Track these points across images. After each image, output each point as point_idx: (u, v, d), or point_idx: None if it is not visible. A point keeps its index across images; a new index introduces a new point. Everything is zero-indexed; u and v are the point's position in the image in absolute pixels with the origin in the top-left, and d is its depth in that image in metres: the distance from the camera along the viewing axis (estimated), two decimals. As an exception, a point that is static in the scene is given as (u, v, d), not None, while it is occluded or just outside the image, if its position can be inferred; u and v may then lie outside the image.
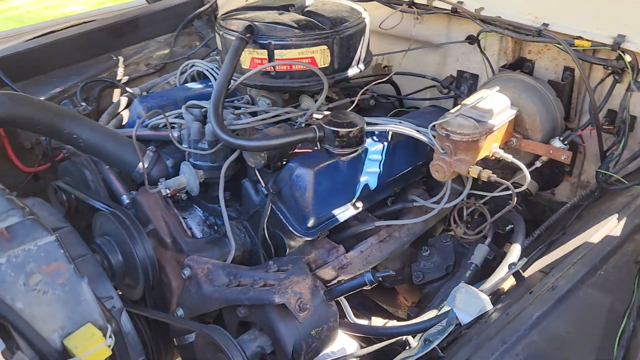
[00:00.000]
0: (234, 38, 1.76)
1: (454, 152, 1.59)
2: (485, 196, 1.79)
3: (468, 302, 1.37)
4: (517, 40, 1.88)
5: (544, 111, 1.75)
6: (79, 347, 0.94)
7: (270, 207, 1.70)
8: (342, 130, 1.65)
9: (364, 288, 1.53)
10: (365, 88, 2.05)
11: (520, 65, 1.95)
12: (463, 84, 2.12)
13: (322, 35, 1.78)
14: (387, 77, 2.11)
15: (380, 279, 1.49)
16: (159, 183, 1.77)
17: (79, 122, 1.79)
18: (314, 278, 1.55)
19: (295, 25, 1.78)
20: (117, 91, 2.55)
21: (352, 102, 1.99)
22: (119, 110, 2.41)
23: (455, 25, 2.10)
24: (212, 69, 2.23)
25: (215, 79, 2.15)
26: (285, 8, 1.97)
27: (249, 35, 1.74)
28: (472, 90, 2.13)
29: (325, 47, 1.79)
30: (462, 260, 1.88)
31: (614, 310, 1.22)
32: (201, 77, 2.34)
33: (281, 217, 1.70)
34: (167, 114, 1.96)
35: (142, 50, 2.73)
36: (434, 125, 1.64)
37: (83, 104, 2.39)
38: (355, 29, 1.85)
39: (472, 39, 2.01)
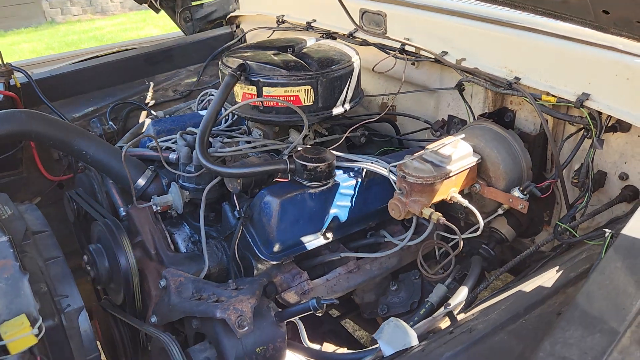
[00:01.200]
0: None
1: (409, 193, 1.67)
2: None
3: (395, 335, 1.44)
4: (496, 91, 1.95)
5: (508, 160, 1.79)
6: (8, 332, 1.10)
7: (241, 230, 1.84)
8: (310, 165, 1.78)
9: (315, 313, 1.64)
10: (355, 126, 2.17)
11: (502, 114, 2.00)
12: (453, 128, 2.19)
13: (306, 76, 1.91)
14: (378, 117, 2.21)
15: (324, 305, 1.59)
16: (151, 199, 1.96)
17: (87, 140, 2.01)
18: (266, 299, 1.67)
19: (283, 66, 1.94)
20: (143, 113, 2.79)
21: (340, 138, 2.11)
22: (142, 131, 2.66)
23: (446, 72, 2.18)
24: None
25: (225, 109, 2.34)
26: (284, 49, 2.13)
27: (239, 72, 1.91)
28: (461, 135, 2.18)
29: (309, 87, 1.92)
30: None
31: (522, 357, 1.26)
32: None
33: (250, 240, 1.83)
34: (169, 138, 2.18)
35: (173, 77, 2.97)
36: (394, 166, 1.73)
37: (110, 123, 2.65)
38: (341, 72, 1.98)
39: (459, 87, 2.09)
